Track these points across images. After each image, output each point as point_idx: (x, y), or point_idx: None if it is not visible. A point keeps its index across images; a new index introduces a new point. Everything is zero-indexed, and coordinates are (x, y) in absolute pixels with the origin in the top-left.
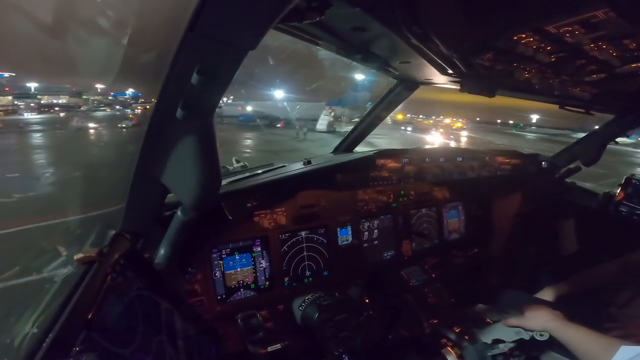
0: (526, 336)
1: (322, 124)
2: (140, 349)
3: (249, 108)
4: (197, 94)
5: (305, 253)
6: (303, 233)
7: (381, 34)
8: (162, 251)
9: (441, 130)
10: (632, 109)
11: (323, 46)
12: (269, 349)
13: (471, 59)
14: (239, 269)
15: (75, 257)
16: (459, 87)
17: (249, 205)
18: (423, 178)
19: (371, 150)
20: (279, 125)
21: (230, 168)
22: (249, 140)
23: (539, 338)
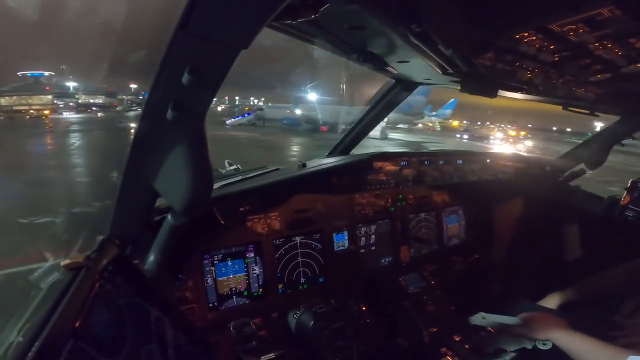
0: (529, 345)
1: (375, 130)
2: (129, 358)
3: (298, 112)
4: (188, 94)
5: (300, 259)
6: (298, 238)
7: (379, 32)
8: (151, 257)
9: (511, 139)
10: (638, 110)
11: (318, 45)
12: (263, 358)
13: (472, 59)
14: (231, 276)
15: (62, 263)
16: (458, 88)
17: (241, 209)
18: (422, 181)
19: (368, 153)
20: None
21: (223, 171)
22: (296, 146)
23: (542, 347)
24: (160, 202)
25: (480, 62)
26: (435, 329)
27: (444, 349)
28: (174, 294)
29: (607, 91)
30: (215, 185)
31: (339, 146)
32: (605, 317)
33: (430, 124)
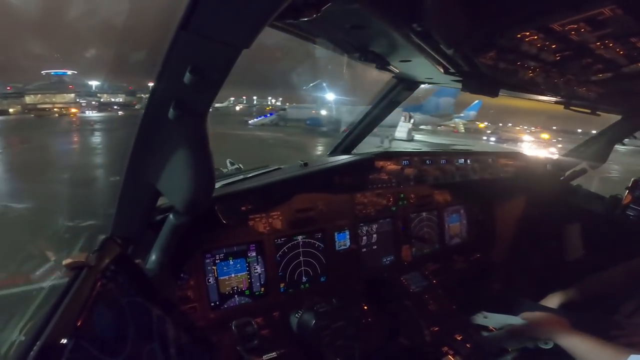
0: (530, 345)
1: (401, 131)
2: (131, 357)
3: (323, 112)
4: (190, 93)
5: (301, 258)
6: (299, 237)
7: (381, 31)
8: (153, 256)
9: (542, 142)
10: (639, 109)
11: (320, 44)
12: (264, 357)
13: (473, 58)
14: (233, 275)
15: (64, 262)
16: (460, 87)
17: (243, 209)
18: (423, 181)
19: (370, 152)
20: (342, 130)
21: (225, 170)
22: (322, 146)
23: (543, 346)
24: (162, 202)
25: (482, 61)
26: (436, 328)
27: (445, 348)
28: (175, 293)
29: (609, 90)
30: (217, 185)
31: (340, 145)
32: (606, 317)
33: (453, 126)
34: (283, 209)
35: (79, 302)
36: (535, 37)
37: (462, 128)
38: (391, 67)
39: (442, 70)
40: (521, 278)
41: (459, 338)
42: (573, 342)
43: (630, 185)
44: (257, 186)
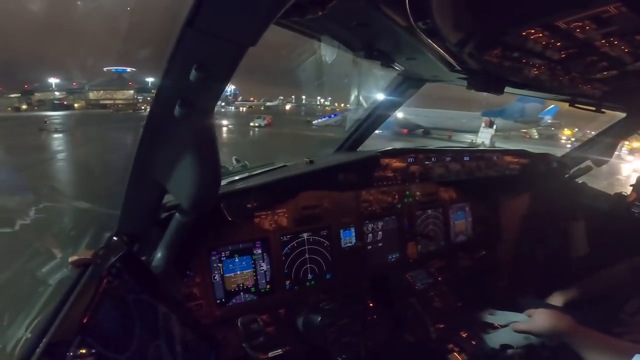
0: (535, 341)
1: (484, 137)
2: (136, 354)
3: (400, 115)
4: (196, 91)
5: (307, 255)
6: (305, 235)
7: (387, 29)
8: (159, 254)
9: None
10: None
11: (325, 42)
12: (270, 354)
13: (479, 55)
14: (238, 272)
15: (70, 259)
16: (465, 85)
17: (249, 206)
18: (429, 178)
19: (375, 150)
20: (419, 132)
21: (230, 168)
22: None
23: (548, 343)
24: (168, 199)
25: (487, 59)
26: (442, 325)
27: (451, 345)
28: (181, 290)
29: (614, 88)
30: (223, 182)
31: (346, 143)
32: (610, 315)
33: (524, 131)
34: (289, 206)
35: (85, 299)
36: (541, 34)
37: (535, 134)
38: (396, 65)
39: (447, 68)
40: (526, 275)
41: (464, 335)
42: (578, 339)
43: (635, 182)
44: (262, 183)
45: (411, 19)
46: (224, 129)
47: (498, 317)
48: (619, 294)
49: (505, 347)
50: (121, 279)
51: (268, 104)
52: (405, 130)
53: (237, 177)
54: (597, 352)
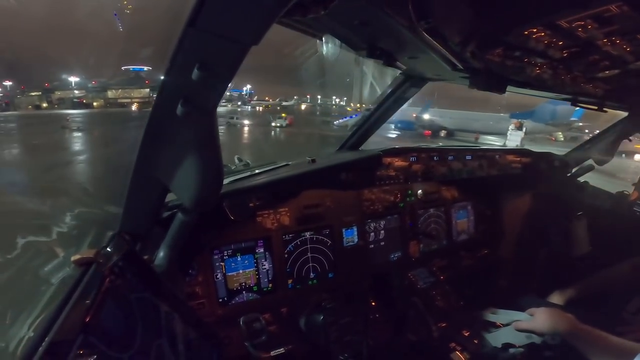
0: (537, 340)
1: (513, 140)
2: (139, 353)
3: (426, 116)
4: (198, 90)
5: (309, 254)
6: (307, 234)
7: (389, 28)
8: (162, 253)
9: None
10: None
11: (327, 41)
12: (272, 353)
13: (481, 55)
14: (241, 271)
15: (73, 258)
16: (468, 84)
17: (251, 205)
18: (431, 177)
19: (377, 149)
20: (442, 134)
21: (233, 167)
22: None
23: (550, 342)
24: (170, 198)
25: (489, 58)
26: (444, 324)
27: (453, 344)
28: (184, 289)
29: (615, 87)
30: (225, 181)
31: (348, 142)
32: (612, 314)
33: (549, 135)
34: (291, 205)
35: (87, 298)
36: (543, 34)
37: (561, 137)
38: (399, 64)
39: (449, 67)
40: (528, 274)
41: (466, 334)
42: (580, 338)
43: (637, 181)
44: (265, 182)
45: (413, 18)
46: (246, 128)
47: (500, 315)
48: (621, 293)
49: (507, 345)
50: (124, 277)
51: (284, 103)
52: (428, 132)
53: (239, 176)
54: (599, 351)
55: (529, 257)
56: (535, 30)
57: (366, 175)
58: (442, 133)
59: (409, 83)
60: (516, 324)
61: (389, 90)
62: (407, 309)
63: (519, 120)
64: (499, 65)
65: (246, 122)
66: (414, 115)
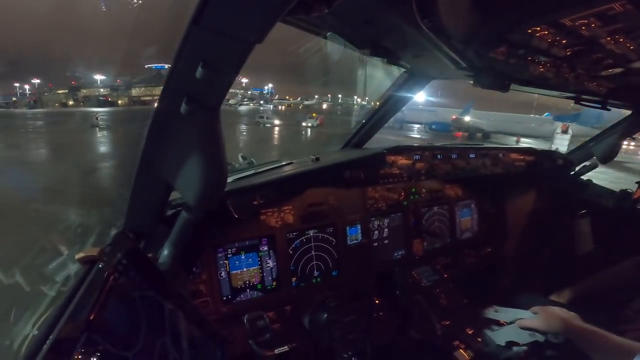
0: (541, 338)
1: (559, 144)
2: (143, 351)
3: (466, 118)
4: (202, 88)
5: (313, 252)
6: (311, 232)
7: (393, 26)
8: (165, 251)
9: None
10: None
11: (331, 39)
12: (276, 351)
13: (485, 53)
14: (245, 269)
15: (77, 256)
16: (471, 82)
17: (255, 203)
18: (435, 175)
19: (381, 147)
20: (478, 136)
21: (237, 165)
22: None
23: (553, 340)
24: (174, 196)
25: (493, 56)
26: (448, 322)
27: (456, 342)
28: (187, 287)
29: (619, 85)
30: (229, 179)
31: (352, 140)
32: (616, 312)
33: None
34: (295, 204)
35: (91, 296)
36: (546, 32)
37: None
38: (402, 62)
39: (453, 65)
40: (532, 272)
41: (470, 332)
42: (583, 337)
43: None
44: (268, 180)
45: (417, 17)
46: (276, 129)
47: (503, 314)
48: (624, 291)
49: (510, 344)
50: (128, 276)
51: (306, 102)
52: (459, 134)
53: (243, 174)
54: (601, 350)
55: (532, 255)
56: (538, 28)
57: (370, 173)
58: (478, 135)
59: (413, 81)
60: (519, 322)
61: (393, 88)
62: (410, 307)
63: (565, 122)
64: (503, 64)
65: (277, 122)
66: (454, 117)
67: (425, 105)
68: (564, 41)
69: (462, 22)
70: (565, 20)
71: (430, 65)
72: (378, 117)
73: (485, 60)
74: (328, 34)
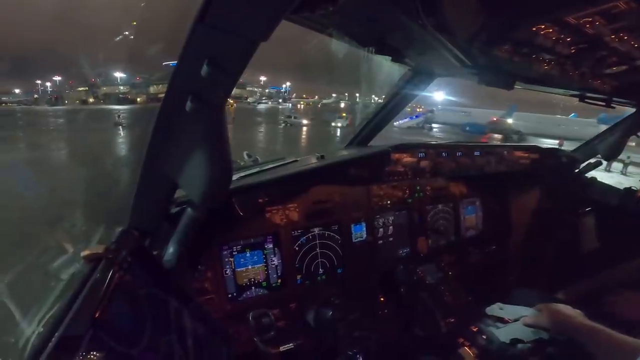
0: (545, 336)
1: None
2: (148, 349)
3: (510, 120)
4: (207, 86)
5: (318, 250)
6: (316, 230)
7: (397, 24)
8: (171, 248)
9: None
10: None
11: (335, 37)
12: (281, 348)
13: (489, 51)
14: (250, 267)
15: (82, 253)
16: (476, 80)
17: (260, 201)
18: (439, 173)
19: (386, 145)
20: (514, 138)
21: (242, 162)
22: None
23: (559, 337)
24: (179, 194)
25: (497, 54)
26: (452, 320)
27: (461, 339)
28: (193, 284)
29: (623, 83)
30: (234, 177)
31: (357, 138)
32: (620, 310)
33: None
34: (300, 201)
35: (96, 293)
36: (550, 30)
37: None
38: (406, 60)
39: (458, 63)
40: (536, 269)
41: (474, 329)
42: (586, 336)
43: None
44: (274, 178)
45: (421, 14)
46: (304, 128)
47: (508, 311)
48: (629, 288)
49: (515, 341)
50: (133, 273)
51: (324, 101)
52: (485, 139)
53: (248, 172)
54: (606, 348)
55: (536, 253)
56: (543, 26)
57: (375, 171)
58: (514, 137)
59: (418, 79)
60: (524, 320)
61: (397, 86)
62: (415, 305)
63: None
64: (507, 62)
65: (305, 121)
66: (494, 118)
67: (456, 106)
68: (568, 39)
69: (466, 20)
70: (569, 18)
71: (434, 63)
72: (383, 115)
73: (489, 58)
74: (333, 32)
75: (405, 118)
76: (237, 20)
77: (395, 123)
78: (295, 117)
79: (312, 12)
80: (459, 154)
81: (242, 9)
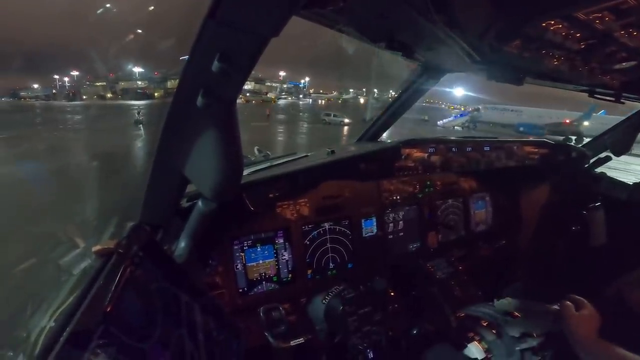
0: (555, 329)
1: None
2: (159, 343)
3: (585, 123)
4: (218, 81)
5: (328, 245)
6: (326, 224)
7: (408, 20)
8: (182, 243)
9: None
10: None
11: (345, 33)
12: (292, 343)
13: (499, 47)
14: (261, 261)
15: (94, 248)
16: (485, 76)
17: (271, 196)
18: (449, 168)
19: (396, 140)
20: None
21: (252, 158)
22: None
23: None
24: (190, 189)
25: (507, 50)
26: (462, 314)
27: (471, 334)
28: (203, 279)
29: (633, 78)
30: (245, 172)
31: (367, 133)
32: (629, 312)
33: None
34: (310, 196)
35: (108, 288)
36: (560, 25)
37: None
38: (416, 56)
39: (467, 59)
40: (546, 264)
41: (484, 324)
42: (593, 354)
43: None
44: (284, 173)
45: (432, 10)
46: (345, 128)
47: (517, 305)
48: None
49: (525, 335)
50: (144, 268)
51: (344, 97)
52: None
53: (259, 167)
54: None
55: (546, 247)
56: (552, 22)
57: (385, 166)
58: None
59: (427, 75)
60: (534, 314)
61: (408, 82)
62: (425, 299)
63: None
64: (517, 57)
65: (346, 120)
66: (567, 120)
67: (507, 105)
68: (578, 35)
69: (476, 16)
70: (579, 14)
71: (444, 59)
72: (393, 111)
73: (499, 54)
74: (343, 28)
75: (451, 117)
76: (248, 16)
77: (439, 122)
78: (334, 116)
79: (322, 8)
80: (468, 149)
81: (253, 4)
